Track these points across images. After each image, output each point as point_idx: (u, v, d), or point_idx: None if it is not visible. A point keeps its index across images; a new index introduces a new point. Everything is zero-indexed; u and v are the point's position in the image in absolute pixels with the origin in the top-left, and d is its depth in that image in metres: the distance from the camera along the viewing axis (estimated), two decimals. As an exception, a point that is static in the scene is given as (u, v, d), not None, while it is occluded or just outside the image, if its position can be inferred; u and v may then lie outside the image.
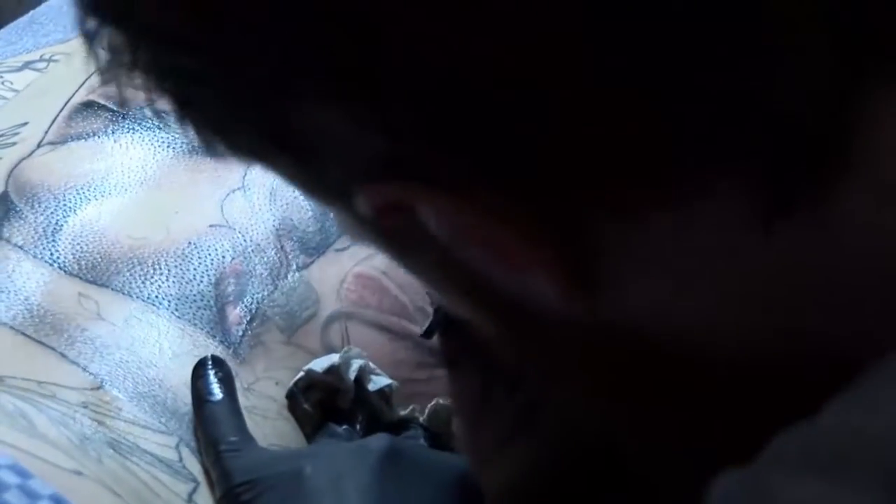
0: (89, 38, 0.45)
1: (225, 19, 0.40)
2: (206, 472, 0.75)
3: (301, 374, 0.83)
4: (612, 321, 0.44)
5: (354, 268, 0.90)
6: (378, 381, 0.83)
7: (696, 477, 0.42)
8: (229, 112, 0.43)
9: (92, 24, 0.44)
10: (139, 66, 0.44)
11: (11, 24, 1.10)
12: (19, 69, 1.00)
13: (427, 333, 0.86)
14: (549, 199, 0.40)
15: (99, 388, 0.76)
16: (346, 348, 0.84)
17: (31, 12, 1.12)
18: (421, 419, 0.84)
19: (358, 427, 0.83)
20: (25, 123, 0.93)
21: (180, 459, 0.75)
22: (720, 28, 0.36)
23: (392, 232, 0.45)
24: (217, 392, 0.78)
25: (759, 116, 0.37)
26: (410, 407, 0.85)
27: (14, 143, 0.92)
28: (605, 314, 0.43)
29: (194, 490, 0.73)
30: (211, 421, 0.77)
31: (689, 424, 0.47)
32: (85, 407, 0.74)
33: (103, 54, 0.45)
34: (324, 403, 0.83)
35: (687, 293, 0.42)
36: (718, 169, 0.38)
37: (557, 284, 0.42)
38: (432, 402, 0.85)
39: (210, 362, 0.80)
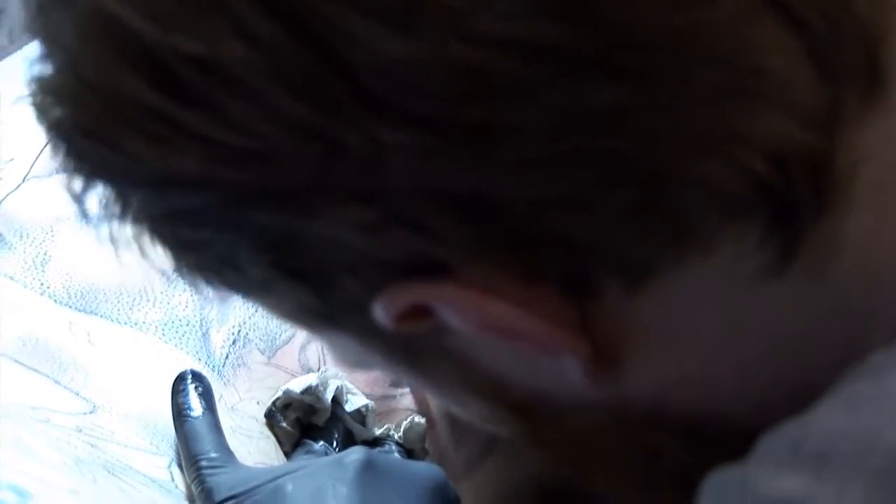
0: (78, 199, 0.44)
1: (225, 146, 0.39)
2: (188, 488, 0.77)
3: (279, 394, 0.85)
4: (632, 397, 0.44)
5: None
6: (354, 402, 0.86)
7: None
8: (240, 248, 0.43)
9: (79, 184, 0.44)
10: (133, 215, 0.44)
11: (4, 62, 1.12)
12: (11, 105, 1.03)
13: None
14: (568, 277, 0.40)
15: (92, 412, 0.79)
16: (323, 369, 0.87)
17: (24, 49, 1.14)
18: (396, 436, 0.86)
19: (334, 444, 0.84)
20: (11, 160, 0.96)
21: (172, 479, 0.77)
22: (709, 80, 0.37)
23: (408, 341, 0.45)
24: (197, 407, 0.79)
25: (757, 155, 0.37)
26: (385, 426, 0.87)
27: (0, 179, 0.94)
28: (627, 389, 0.44)
29: (186, 508, 0.75)
30: (191, 437, 0.78)
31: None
32: (79, 431, 0.76)
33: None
34: (301, 421, 0.86)
35: (705, 356, 0.43)
36: (721, 212, 0.38)
37: (585, 363, 0.42)
38: (407, 419, 0.87)
39: (189, 376, 0.81)
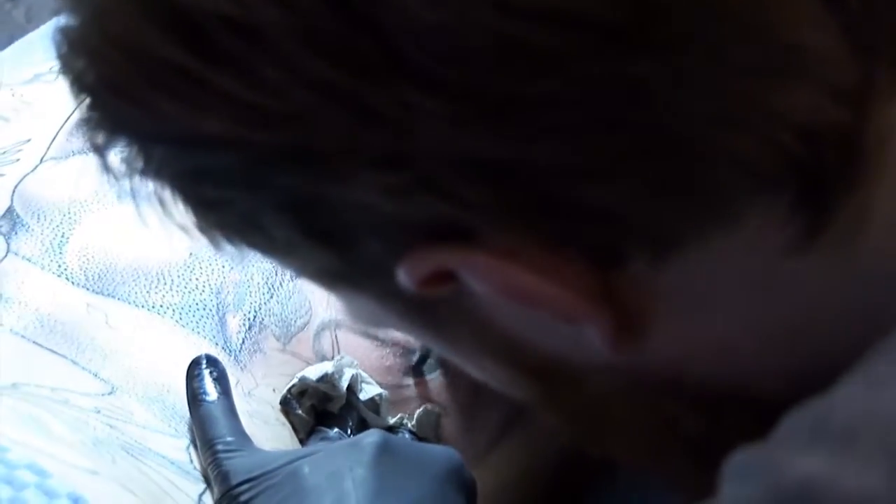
0: (99, 151, 0.45)
1: (256, 107, 0.40)
2: (204, 472, 0.77)
3: (295, 381, 0.85)
4: (652, 365, 0.45)
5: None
6: (369, 391, 0.86)
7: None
8: (265, 209, 0.43)
9: (101, 137, 0.45)
10: (156, 171, 0.44)
11: (23, 39, 1.13)
12: (30, 81, 1.03)
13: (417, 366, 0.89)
14: (595, 247, 0.41)
15: (110, 393, 0.79)
16: (338, 357, 0.87)
17: (42, 27, 1.14)
18: (409, 425, 0.87)
19: (349, 431, 0.84)
20: (28, 140, 0.96)
21: (190, 461, 0.77)
22: (743, 55, 0.37)
23: (428, 304, 0.45)
24: (212, 392, 0.79)
25: (790, 129, 0.38)
26: (399, 415, 0.87)
27: (18, 160, 0.94)
28: (648, 357, 0.44)
29: (204, 491, 0.75)
30: (207, 421, 0.77)
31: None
32: (98, 412, 0.77)
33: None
34: (315, 408, 0.86)
35: (727, 326, 0.43)
36: (751, 185, 0.39)
37: (607, 331, 0.43)
38: (420, 408, 0.88)
39: (204, 361, 0.81)
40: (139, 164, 0.45)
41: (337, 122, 0.39)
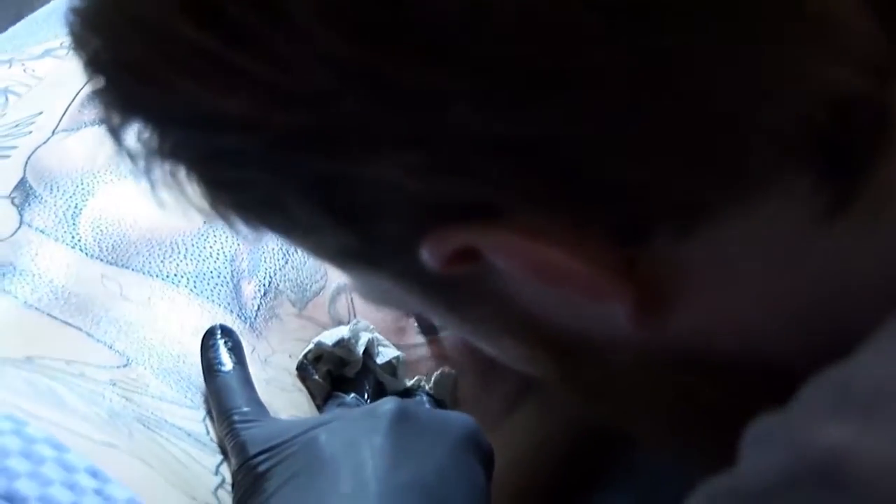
0: (114, 132, 0.45)
1: (281, 88, 0.40)
2: (221, 443, 0.77)
3: (311, 346, 0.85)
4: (674, 340, 0.45)
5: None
6: (386, 354, 0.86)
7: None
8: (286, 189, 0.43)
9: (116, 117, 0.44)
10: (172, 152, 0.44)
11: (33, 15, 1.13)
12: (40, 56, 1.03)
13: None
14: (621, 222, 0.41)
15: (126, 365, 0.79)
16: (354, 321, 0.87)
17: (50, 2, 1.14)
18: (427, 387, 0.87)
19: (366, 396, 0.84)
20: (40, 113, 0.96)
21: (207, 432, 0.77)
22: (771, 27, 0.37)
23: (448, 283, 0.45)
24: (227, 362, 0.79)
25: (818, 101, 0.38)
26: (416, 377, 0.87)
27: (30, 132, 0.94)
28: (670, 332, 0.44)
29: (221, 462, 0.75)
30: (223, 392, 0.77)
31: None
32: (113, 384, 0.77)
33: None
34: (332, 373, 0.86)
35: (750, 299, 0.43)
36: (777, 160, 0.39)
37: (631, 307, 0.43)
38: (437, 371, 0.88)
39: (219, 331, 0.81)
40: (154, 144, 0.44)
41: (361, 102, 0.39)
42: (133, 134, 0.45)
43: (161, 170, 0.45)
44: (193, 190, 0.46)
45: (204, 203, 0.46)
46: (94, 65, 0.44)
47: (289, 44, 0.39)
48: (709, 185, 0.40)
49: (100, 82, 0.44)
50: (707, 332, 0.45)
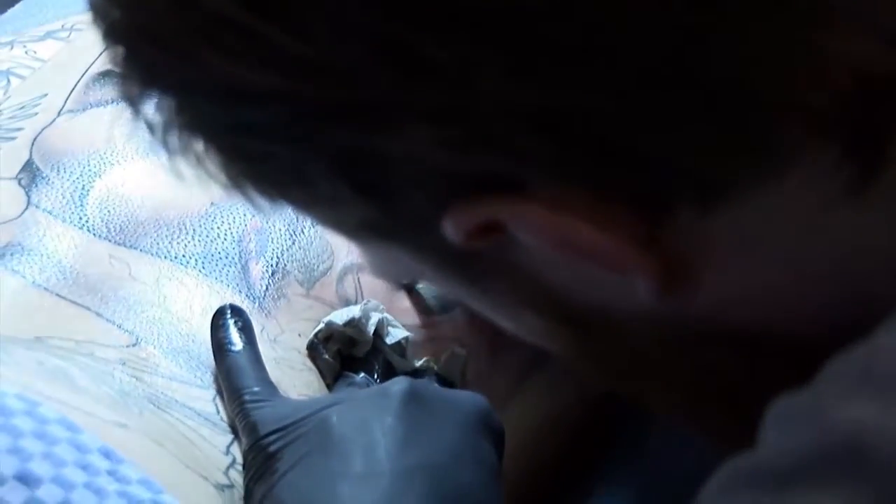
0: (132, 102, 0.44)
1: (309, 61, 0.39)
2: (231, 423, 0.77)
3: (321, 325, 0.85)
4: (695, 313, 0.45)
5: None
6: (395, 334, 0.86)
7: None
8: (310, 162, 0.43)
9: (134, 88, 0.44)
10: (192, 124, 0.44)
11: (32, -3, 1.13)
12: (41, 38, 1.03)
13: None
14: (646, 195, 0.41)
15: (135, 344, 0.79)
16: (365, 301, 0.87)
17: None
18: (436, 368, 0.86)
19: (375, 375, 0.84)
20: (45, 95, 0.96)
21: (217, 412, 0.77)
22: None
23: (467, 257, 0.45)
24: (238, 342, 0.79)
25: (844, 77, 0.38)
26: (425, 359, 0.87)
27: (35, 114, 0.94)
28: (692, 306, 0.44)
29: (232, 442, 0.75)
30: (233, 371, 0.77)
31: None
32: (123, 364, 0.77)
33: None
34: (341, 353, 0.86)
35: (771, 273, 0.43)
36: (803, 132, 0.39)
37: (654, 280, 0.43)
38: (447, 352, 0.88)
39: (229, 311, 0.80)
40: (172, 115, 0.44)
41: (391, 75, 0.39)
42: (151, 105, 0.45)
43: (178, 141, 0.45)
44: (210, 162, 0.46)
45: (220, 176, 0.46)
46: (113, 34, 0.43)
47: (319, 17, 0.38)
48: (733, 160, 0.40)
49: (119, 52, 0.44)
50: (728, 306, 0.45)
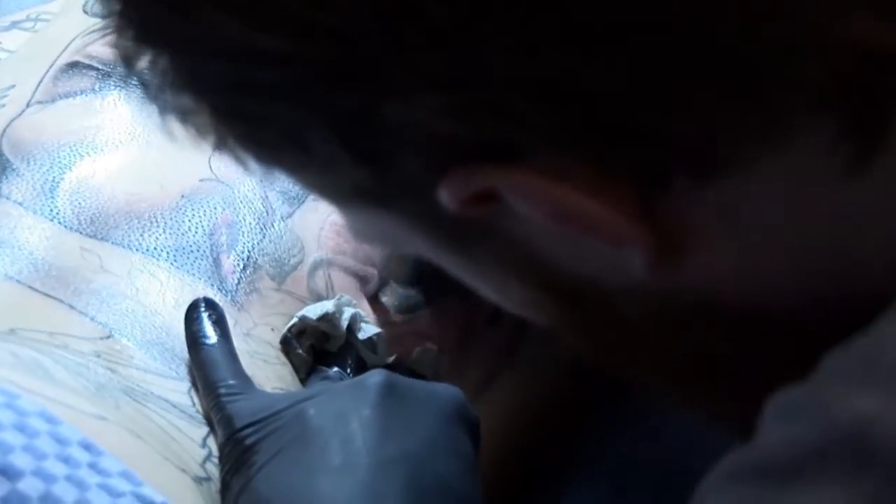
0: (127, 61, 0.44)
1: (317, 25, 0.39)
2: (207, 415, 0.76)
3: (295, 320, 0.85)
4: (686, 288, 0.45)
5: (330, 216, 0.92)
6: (368, 330, 0.86)
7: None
8: (310, 125, 0.43)
9: (129, 46, 0.43)
10: (186, 84, 0.43)
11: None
12: (7, 29, 1.03)
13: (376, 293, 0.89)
14: (643, 167, 0.41)
15: (109, 337, 0.79)
16: (338, 296, 0.87)
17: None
18: (408, 364, 0.86)
19: (349, 370, 0.84)
20: (13, 86, 0.96)
21: (193, 404, 0.77)
22: None
23: (459, 225, 0.45)
24: (212, 335, 0.78)
25: (845, 53, 0.38)
26: (395, 356, 0.87)
27: (3, 105, 0.94)
28: (683, 280, 0.44)
29: (208, 434, 0.75)
30: (208, 364, 0.77)
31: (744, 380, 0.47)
32: (98, 356, 0.76)
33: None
34: (314, 347, 0.86)
35: (763, 251, 0.43)
36: (802, 111, 0.39)
37: (648, 253, 0.43)
38: (419, 348, 0.88)
39: (203, 304, 0.80)
40: (168, 73, 0.44)
41: (398, 41, 0.39)
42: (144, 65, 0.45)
43: (171, 100, 0.45)
44: (203, 122, 0.45)
45: (211, 137, 0.46)
46: None
47: None
48: (733, 134, 0.40)
49: (115, 6, 0.43)
50: (720, 283, 0.45)
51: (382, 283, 0.91)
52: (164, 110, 0.45)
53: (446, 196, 0.43)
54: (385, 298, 0.92)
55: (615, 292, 0.46)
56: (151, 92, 0.45)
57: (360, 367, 0.85)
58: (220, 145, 0.46)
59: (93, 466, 0.64)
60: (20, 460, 0.62)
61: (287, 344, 0.85)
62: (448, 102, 0.40)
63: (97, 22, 1.00)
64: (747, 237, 0.43)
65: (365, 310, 0.89)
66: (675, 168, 0.41)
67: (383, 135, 0.42)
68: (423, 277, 0.90)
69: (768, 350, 0.46)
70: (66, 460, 0.64)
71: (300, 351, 0.85)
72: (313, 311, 0.85)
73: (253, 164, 0.46)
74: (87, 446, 0.65)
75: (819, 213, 0.42)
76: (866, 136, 0.40)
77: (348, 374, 0.84)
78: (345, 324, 0.85)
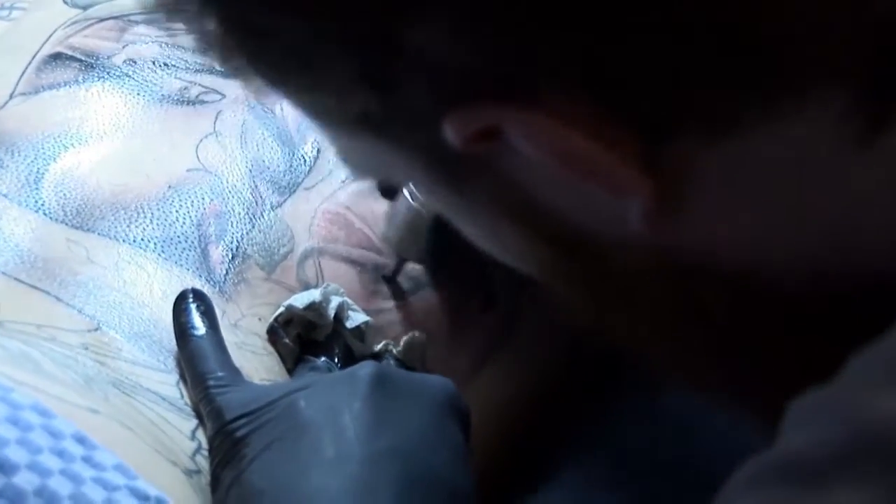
0: None
1: None
2: (195, 407, 0.76)
3: (281, 309, 0.85)
4: (684, 246, 0.45)
5: (322, 205, 0.92)
6: (355, 318, 0.85)
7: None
8: (325, 44, 0.42)
9: None
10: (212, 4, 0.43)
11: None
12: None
13: (393, 274, 0.89)
14: (652, 117, 0.41)
15: (96, 329, 0.78)
16: (325, 285, 0.86)
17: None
18: (395, 351, 0.86)
19: (336, 359, 0.84)
20: None
21: (182, 396, 0.77)
22: None
23: (459, 162, 0.45)
24: (200, 326, 0.78)
25: (861, 23, 0.38)
26: (384, 342, 0.87)
27: (-16, 98, 0.93)
28: (681, 237, 0.44)
29: (197, 427, 0.75)
30: (197, 356, 0.77)
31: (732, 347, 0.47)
32: (86, 348, 0.76)
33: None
34: (301, 337, 0.85)
35: (764, 215, 0.43)
36: (817, 78, 0.39)
37: (648, 203, 0.43)
38: (407, 336, 0.88)
39: (191, 296, 0.80)
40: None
41: None
42: None
43: (184, 12, 0.45)
44: (214, 35, 0.45)
45: (225, 57, 0.46)
46: None
47: None
48: (740, 97, 0.40)
49: None
50: (719, 245, 0.45)
51: (399, 263, 0.91)
52: (175, 22, 0.45)
53: (451, 130, 0.42)
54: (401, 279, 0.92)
55: (612, 245, 0.46)
56: (164, 6, 0.45)
57: (348, 356, 0.85)
58: (226, 62, 0.46)
59: (87, 460, 0.64)
60: (15, 454, 0.62)
61: (273, 333, 0.85)
62: (466, 28, 0.39)
63: (78, 13, 1.00)
64: (748, 200, 0.43)
65: (358, 296, 0.89)
66: (683, 123, 0.41)
67: (396, 58, 0.41)
68: (435, 255, 0.89)
69: (763, 318, 0.46)
70: (61, 454, 0.64)
71: (286, 340, 0.84)
72: (300, 300, 0.85)
73: (257, 82, 0.46)
74: (80, 440, 0.65)
75: (824, 183, 0.42)
76: (879, 108, 0.40)
77: (336, 364, 0.84)
78: (332, 312, 0.84)
